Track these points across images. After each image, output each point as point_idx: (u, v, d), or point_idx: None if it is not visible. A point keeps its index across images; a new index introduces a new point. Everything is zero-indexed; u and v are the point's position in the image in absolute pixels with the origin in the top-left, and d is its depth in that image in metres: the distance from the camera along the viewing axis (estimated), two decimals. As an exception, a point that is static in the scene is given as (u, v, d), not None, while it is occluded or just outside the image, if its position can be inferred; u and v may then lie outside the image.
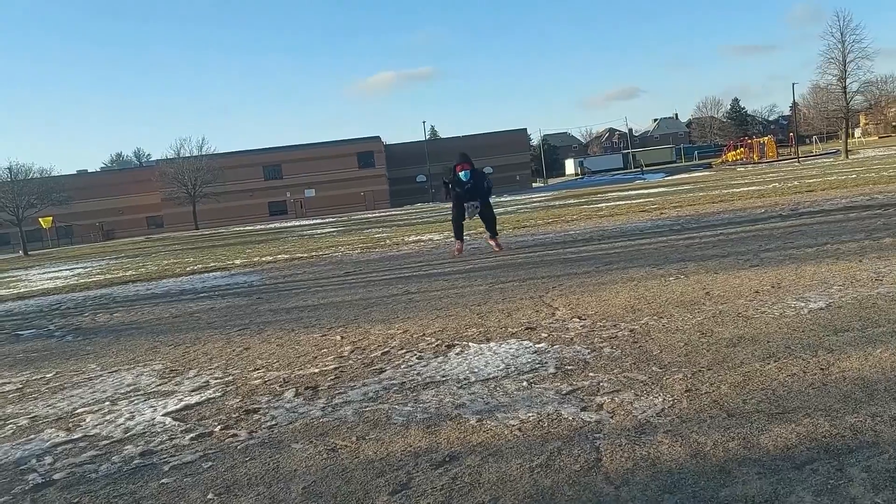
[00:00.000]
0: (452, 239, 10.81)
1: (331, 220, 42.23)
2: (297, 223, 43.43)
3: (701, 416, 2.67)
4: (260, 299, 7.85)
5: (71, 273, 17.44)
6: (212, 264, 14.23)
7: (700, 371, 3.24)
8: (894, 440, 2.24)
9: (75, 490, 2.71)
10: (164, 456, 2.98)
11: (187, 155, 63.07)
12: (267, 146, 72.14)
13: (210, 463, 2.83)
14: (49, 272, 19.31)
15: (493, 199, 10.33)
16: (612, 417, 2.78)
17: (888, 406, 2.55)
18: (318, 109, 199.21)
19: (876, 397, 2.65)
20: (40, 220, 49.43)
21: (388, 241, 15.08)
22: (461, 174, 9.99)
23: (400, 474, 2.48)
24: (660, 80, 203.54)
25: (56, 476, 2.88)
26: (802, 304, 4.34)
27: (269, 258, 14.15)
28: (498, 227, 10.60)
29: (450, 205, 10.78)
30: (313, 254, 14.00)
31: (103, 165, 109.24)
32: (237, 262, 14.19)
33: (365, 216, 43.05)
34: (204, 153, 63.82)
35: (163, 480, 2.70)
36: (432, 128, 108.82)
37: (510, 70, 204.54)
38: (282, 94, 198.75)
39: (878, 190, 12.91)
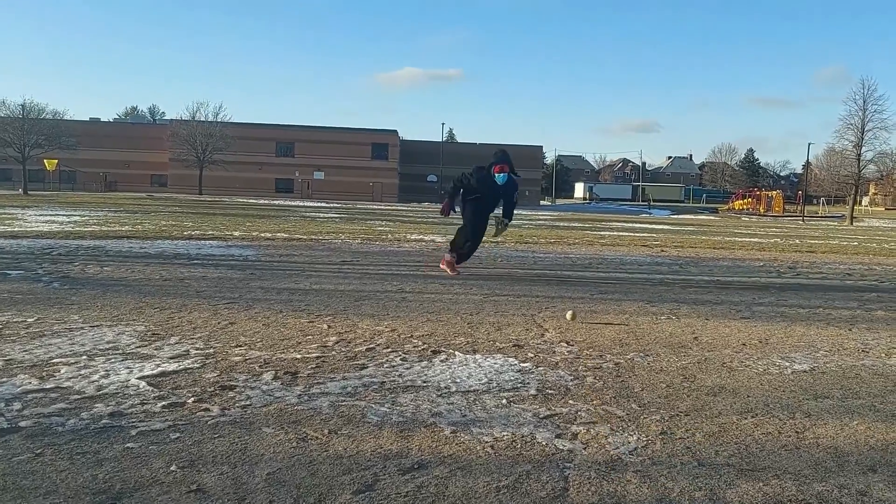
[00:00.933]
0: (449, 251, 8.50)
1: (336, 205, 42.20)
2: (302, 204, 43.39)
3: (672, 460, 2.67)
4: (253, 275, 7.84)
5: (67, 219, 17.40)
6: (210, 232, 14.22)
7: (678, 415, 3.24)
8: (860, 516, 2.25)
9: (39, 440, 2.69)
10: (133, 420, 2.97)
11: (202, 119, 62.99)
12: (282, 122, 72.17)
13: (178, 434, 2.82)
14: (46, 215, 19.26)
15: (500, 209, 8.60)
16: (584, 448, 2.78)
17: (857, 479, 2.55)
18: (340, 94, 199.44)
19: (846, 468, 2.65)
20: (45, 161, 49.28)
21: (390, 236, 15.08)
22: (498, 177, 7.94)
23: (367, 475, 2.47)
24: (680, 117, 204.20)
25: (22, 423, 2.86)
26: (787, 364, 4.34)
27: (268, 235, 14.14)
28: (499, 239, 10.33)
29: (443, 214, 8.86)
30: (313, 237, 13.98)
31: (117, 117, 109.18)
32: (236, 233, 14.17)
33: (371, 207, 43.04)
34: (219, 120, 63.76)
35: (128, 444, 2.69)
36: (450, 130, 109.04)
37: (535, 86, 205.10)
38: (306, 75, 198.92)
39: (878, 261, 12.94)
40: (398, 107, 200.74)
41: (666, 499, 2.33)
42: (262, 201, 45.43)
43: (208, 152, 60.32)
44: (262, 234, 14.18)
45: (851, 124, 49.44)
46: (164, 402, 3.20)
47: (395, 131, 71.91)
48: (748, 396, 3.60)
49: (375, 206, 45.21)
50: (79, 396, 3.24)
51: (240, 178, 65.34)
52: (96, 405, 3.13)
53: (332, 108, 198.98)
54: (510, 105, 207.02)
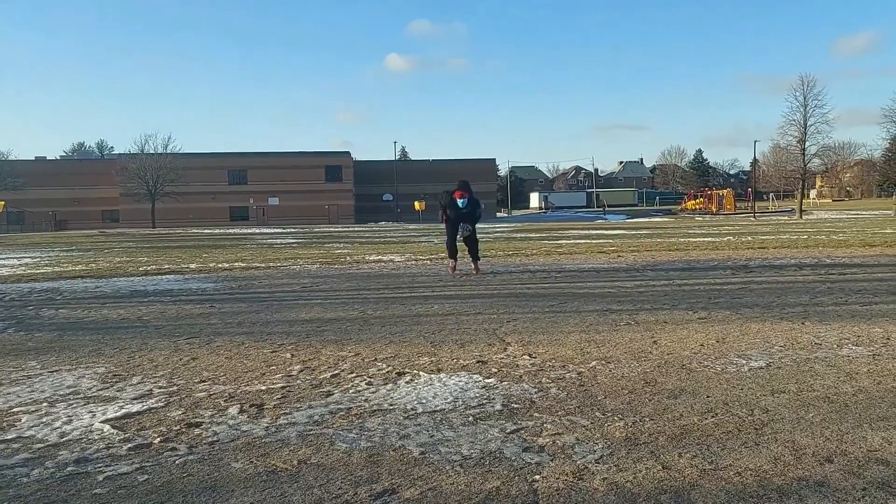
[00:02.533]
0: (445, 259, 11.54)
1: (292, 230, 41.87)
2: (258, 231, 42.95)
3: (637, 466, 2.74)
4: (212, 308, 7.76)
5: (18, 262, 16.93)
6: (166, 266, 13.99)
7: (641, 420, 3.32)
8: (816, 505, 2.34)
9: (4, 494, 2.64)
10: (99, 465, 2.93)
11: (151, 151, 62.04)
12: (234, 150, 71.51)
13: (146, 476, 2.80)
14: (-5, 259, 18.71)
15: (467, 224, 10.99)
16: (552, 460, 2.83)
17: (815, 470, 2.65)
18: (289, 116, 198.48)
19: (803, 461, 2.75)
20: (-8, 203, 47.93)
21: (348, 258, 15.03)
22: (459, 201, 10.64)
23: (338, 503, 2.48)
24: (639, 118, 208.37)
25: (-16, 477, 2.80)
26: (744, 362, 4.48)
27: (226, 265, 13.97)
28: (464, 254, 10.94)
29: (443, 226, 11.42)
30: (270, 265, 13.87)
31: (64, 154, 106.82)
32: (192, 266, 13.97)
33: (327, 230, 42.79)
34: (169, 151, 62.87)
35: (96, 490, 2.66)
36: (403, 149, 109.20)
37: (483, 100, 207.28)
38: (251, 99, 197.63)
39: (827, 253, 13.37)
40: (350, 129, 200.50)
41: (633, 504, 2.39)
42: (217, 231, 44.86)
43: (159, 185, 59.40)
44: (220, 265, 14.01)
45: (794, 120, 51.06)
46: (129, 445, 3.16)
47: (348, 153, 71.86)
48: (708, 397, 3.70)
49: (332, 229, 45.00)
50: (42, 445, 3.19)
51: (193, 208, 64.44)
52: (60, 452, 3.08)
53: (285, 132, 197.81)
54: (458, 121, 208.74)
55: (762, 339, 5.19)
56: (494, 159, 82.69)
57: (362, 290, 9.19)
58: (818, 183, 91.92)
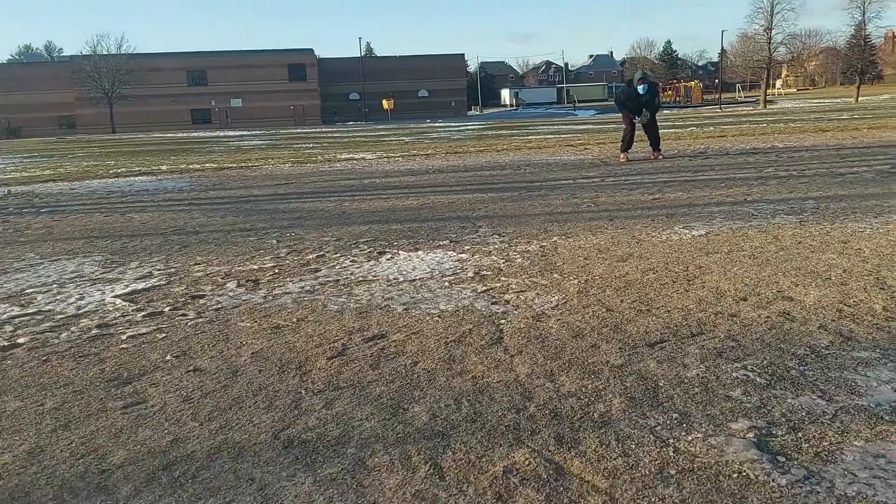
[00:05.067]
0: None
1: (258, 132, 41.30)
2: (223, 133, 42.26)
3: (586, 310, 3.23)
4: (191, 204, 8.05)
5: (-16, 169, 16.79)
6: (136, 169, 14.08)
7: (592, 278, 3.81)
8: (726, 329, 2.85)
9: (41, 351, 3.06)
10: (120, 328, 3.35)
11: (105, 53, 59.59)
12: (192, 49, 68.96)
13: (164, 334, 3.23)
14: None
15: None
16: (515, 309, 3.32)
17: (731, 306, 3.17)
18: (250, 11, 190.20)
19: (723, 301, 3.27)
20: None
21: (320, 157, 15.21)
22: (640, 87, 11.10)
23: (336, 345, 2.95)
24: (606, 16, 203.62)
25: (20, 340, 3.21)
26: (687, 231, 4.99)
27: (197, 166, 14.09)
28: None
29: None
30: (242, 165, 14.02)
31: (11, 57, 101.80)
32: (163, 168, 14.08)
33: (295, 131, 42.30)
34: (123, 52, 60.46)
35: (122, 346, 3.09)
36: (368, 45, 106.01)
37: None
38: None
39: (781, 140, 13.89)
40: (312, 23, 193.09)
41: (580, 335, 2.89)
42: (180, 134, 44.05)
43: (116, 87, 57.45)
44: (191, 167, 14.13)
45: (761, 8, 50.64)
46: (143, 313, 3.58)
47: (311, 50, 69.61)
48: (651, 259, 4.21)
49: (299, 130, 44.44)
50: (63, 316, 3.59)
51: (154, 112, 62.65)
52: (82, 321, 3.49)
53: (241, 29, 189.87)
54: (426, 13, 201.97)
55: (707, 213, 5.70)
56: (463, 55, 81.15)
57: (337, 186, 9.51)
58: (784, 72, 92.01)
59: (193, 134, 44.53)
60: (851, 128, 16.22)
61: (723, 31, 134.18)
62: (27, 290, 4.18)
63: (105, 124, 57.51)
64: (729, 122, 24.67)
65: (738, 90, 77.16)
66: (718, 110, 47.55)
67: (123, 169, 14.20)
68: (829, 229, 4.81)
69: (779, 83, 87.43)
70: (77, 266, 4.84)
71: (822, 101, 56.16)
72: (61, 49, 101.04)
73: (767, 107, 46.84)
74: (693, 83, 78.25)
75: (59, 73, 64.10)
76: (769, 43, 51.04)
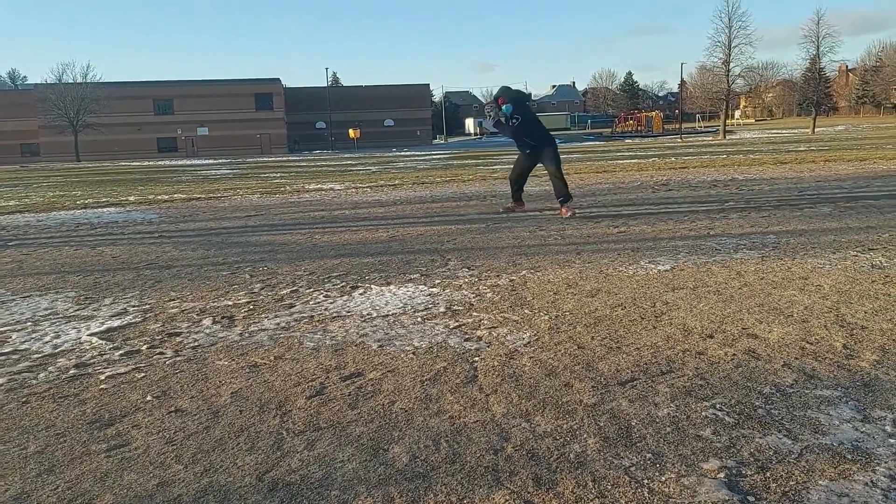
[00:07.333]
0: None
1: (224, 161, 41.11)
2: (189, 162, 41.98)
3: (558, 347, 3.35)
4: (162, 237, 8.03)
5: (-57, 199, 16.47)
6: (104, 199, 13.95)
7: (562, 314, 3.93)
8: (694, 367, 2.99)
9: (20, 392, 3.06)
10: (98, 367, 3.36)
11: (70, 81, 59.00)
12: (160, 79, 68.60)
13: (143, 374, 3.25)
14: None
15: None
16: (488, 346, 3.42)
17: (698, 343, 3.31)
18: (216, 43, 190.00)
19: (690, 338, 3.41)
20: None
21: (288, 187, 15.24)
22: (504, 107, 8.62)
23: (314, 384, 3.01)
24: (570, 47, 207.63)
25: (-3, 382, 3.20)
26: (653, 266, 5.16)
27: (166, 197, 14.02)
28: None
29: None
30: (211, 195, 13.99)
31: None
32: (131, 198, 13.98)
33: (261, 160, 42.19)
34: (89, 80, 59.92)
35: (102, 386, 3.10)
36: (334, 74, 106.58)
37: (417, 25, 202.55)
38: (177, 21, 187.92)
39: (741, 171, 14.33)
40: (279, 54, 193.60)
41: (554, 373, 3.00)
42: (146, 163, 43.64)
43: (81, 116, 56.83)
44: (159, 197, 14.05)
45: (719, 42, 52.32)
46: (120, 352, 3.60)
47: (278, 79, 69.82)
48: (619, 294, 4.35)
49: (266, 159, 44.33)
50: (40, 355, 3.59)
51: (119, 140, 62.07)
52: (59, 360, 3.49)
53: (207, 60, 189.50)
54: (393, 46, 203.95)
55: (672, 247, 5.89)
56: (428, 84, 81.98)
57: (307, 217, 9.56)
58: (742, 103, 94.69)
59: (160, 162, 44.18)
60: (809, 160, 16.81)
61: (682, 64, 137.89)
62: (1, 329, 4.15)
63: (69, 152, 56.80)
64: (690, 152, 25.32)
65: (698, 120, 79.18)
66: (679, 140, 48.69)
67: (91, 199, 14.06)
68: (789, 265, 5.02)
69: (738, 114, 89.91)
70: (50, 303, 4.81)
71: (780, 131, 57.91)
72: (25, 77, 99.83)
73: (727, 137, 48.12)
74: (654, 113, 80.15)
75: (21, 100, 63.21)
76: (727, 75, 52.65)
